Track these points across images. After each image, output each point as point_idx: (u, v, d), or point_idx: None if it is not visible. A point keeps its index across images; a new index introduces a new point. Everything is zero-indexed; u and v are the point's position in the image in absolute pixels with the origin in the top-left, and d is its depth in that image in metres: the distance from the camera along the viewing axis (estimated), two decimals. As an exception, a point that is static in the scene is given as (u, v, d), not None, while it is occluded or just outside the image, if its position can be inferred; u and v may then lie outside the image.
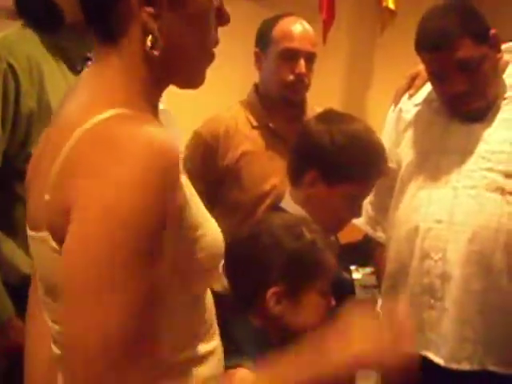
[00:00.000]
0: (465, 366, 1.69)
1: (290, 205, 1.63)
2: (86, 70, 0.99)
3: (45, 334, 0.99)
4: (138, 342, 0.76)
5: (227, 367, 1.09)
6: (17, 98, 1.53)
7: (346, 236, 1.86)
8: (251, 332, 1.32)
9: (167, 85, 0.96)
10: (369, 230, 2.05)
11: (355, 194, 1.61)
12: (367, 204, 2.00)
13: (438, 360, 1.72)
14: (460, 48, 1.64)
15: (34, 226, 0.89)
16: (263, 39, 2.11)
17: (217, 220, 2.28)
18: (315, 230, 1.41)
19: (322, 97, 3.73)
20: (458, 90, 1.68)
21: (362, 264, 3.10)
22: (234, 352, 1.20)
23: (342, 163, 1.57)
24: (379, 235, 2.02)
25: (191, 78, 0.96)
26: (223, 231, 2.30)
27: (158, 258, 0.79)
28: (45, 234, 0.85)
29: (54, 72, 1.59)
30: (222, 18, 0.96)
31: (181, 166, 0.84)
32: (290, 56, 2.04)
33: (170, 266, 0.83)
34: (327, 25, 3.71)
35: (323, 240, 1.42)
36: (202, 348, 0.96)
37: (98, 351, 0.74)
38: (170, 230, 0.82)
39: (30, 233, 0.92)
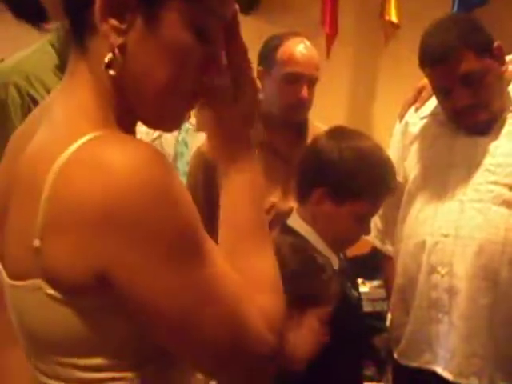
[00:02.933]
0: (473, 382, 1.67)
1: (297, 222, 1.61)
2: (57, 87, 0.88)
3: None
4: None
5: None
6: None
7: (353, 249, 1.85)
8: None
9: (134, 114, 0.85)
10: (377, 243, 2.04)
11: (363, 213, 1.58)
12: (376, 217, 1.99)
13: (447, 375, 1.70)
14: (462, 61, 1.64)
15: (17, 275, 0.80)
16: (267, 59, 2.11)
17: (215, 239, 2.28)
18: (326, 259, 1.43)
19: (326, 111, 3.74)
20: (463, 103, 1.68)
21: (369, 277, 3.09)
22: None
23: (350, 181, 1.54)
24: (388, 248, 2.01)
25: (154, 117, 0.85)
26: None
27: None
28: (37, 282, 0.77)
29: None
30: (212, 67, 0.85)
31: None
32: (294, 80, 2.05)
33: None
34: (330, 39, 3.72)
35: (332, 269, 1.41)
36: None
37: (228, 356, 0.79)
38: None
39: (9, 282, 0.82)
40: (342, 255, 1.70)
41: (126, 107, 0.82)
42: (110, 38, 0.77)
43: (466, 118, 1.72)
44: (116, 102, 0.81)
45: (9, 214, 0.82)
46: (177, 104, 0.84)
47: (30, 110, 1.49)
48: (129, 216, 0.71)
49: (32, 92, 1.54)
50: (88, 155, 0.73)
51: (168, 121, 0.87)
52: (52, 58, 1.62)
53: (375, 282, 3.10)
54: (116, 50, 0.77)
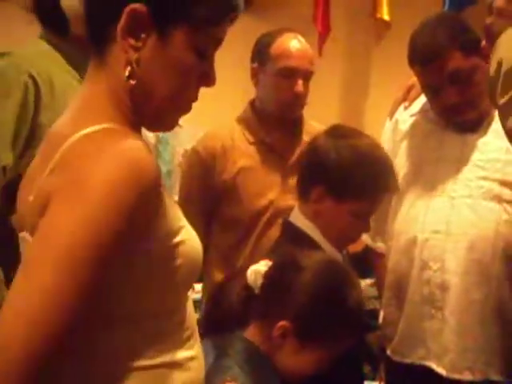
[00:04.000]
0: (467, 376, 1.68)
1: (299, 220, 1.61)
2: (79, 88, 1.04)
3: None
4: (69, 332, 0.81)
5: (221, 382, 1.09)
6: (37, 109, 1.53)
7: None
8: (244, 351, 1.31)
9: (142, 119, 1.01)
10: (368, 241, 2.05)
11: (363, 210, 1.58)
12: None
13: (440, 370, 1.71)
14: (449, 60, 1.66)
15: (20, 227, 0.96)
16: (261, 56, 2.11)
17: (215, 237, 2.29)
18: (358, 294, 1.37)
19: (318, 109, 3.74)
20: (452, 101, 1.69)
21: (361, 275, 3.09)
22: (224, 368, 1.20)
23: (348, 179, 1.54)
24: (379, 246, 2.02)
25: (156, 120, 1.01)
26: (222, 247, 2.30)
27: (111, 263, 0.85)
28: (26, 234, 0.91)
29: (71, 87, 1.59)
30: (207, 80, 1.01)
31: (159, 180, 0.90)
32: (288, 75, 2.04)
33: (145, 273, 0.91)
34: (322, 37, 3.73)
35: (362, 308, 1.38)
36: (181, 354, 0.98)
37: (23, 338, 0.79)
38: (143, 238, 0.89)
39: (19, 234, 0.97)
40: (344, 252, 1.71)
41: (135, 111, 0.97)
42: (128, 53, 0.93)
43: (454, 116, 1.74)
44: (127, 106, 0.97)
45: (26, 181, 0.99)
46: (175, 111, 1.01)
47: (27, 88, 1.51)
48: (87, 189, 0.84)
49: (33, 72, 1.55)
50: (90, 142, 0.89)
51: (165, 124, 1.03)
52: (52, 53, 1.64)
53: (368, 281, 3.10)
54: (133, 64, 0.93)
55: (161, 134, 3.72)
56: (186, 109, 1.01)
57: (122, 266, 0.87)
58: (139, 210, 0.86)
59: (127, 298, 0.92)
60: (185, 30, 0.95)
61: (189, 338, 1.01)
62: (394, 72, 3.51)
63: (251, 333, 1.34)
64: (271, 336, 1.30)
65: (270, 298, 1.34)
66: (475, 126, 1.74)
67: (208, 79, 1.01)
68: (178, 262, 0.95)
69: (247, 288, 1.36)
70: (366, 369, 3.19)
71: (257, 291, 1.35)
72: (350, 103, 4.12)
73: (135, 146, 0.88)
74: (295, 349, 1.31)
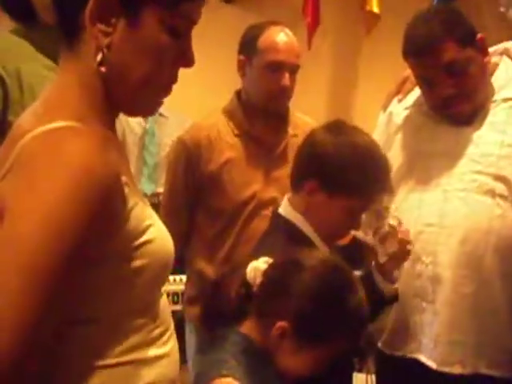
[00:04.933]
0: (457, 370, 1.68)
1: (288, 211, 1.60)
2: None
3: None
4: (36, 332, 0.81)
5: (214, 376, 1.08)
6: (5, 106, 1.50)
7: None
8: (240, 344, 1.31)
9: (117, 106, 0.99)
10: (359, 234, 2.04)
11: (355, 208, 1.58)
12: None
13: (431, 363, 1.71)
14: (444, 52, 1.65)
15: None
16: (248, 48, 2.12)
17: (200, 226, 2.32)
18: (360, 298, 1.35)
19: (307, 102, 3.74)
20: (446, 93, 1.68)
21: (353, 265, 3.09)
22: (220, 362, 1.19)
23: (342, 175, 1.53)
24: (370, 239, 2.02)
25: (133, 105, 0.99)
26: (206, 236, 2.34)
27: (72, 267, 0.84)
28: None
29: (41, 77, 1.57)
30: (185, 60, 0.98)
31: (115, 183, 0.89)
32: (275, 68, 2.05)
33: (111, 272, 0.91)
34: (312, 30, 3.72)
35: (365, 308, 1.36)
36: (153, 352, 0.97)
37: None
38: (103, 240, 0.88)
39: None
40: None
41: (109, 101, 0.95)
42: (98, 40, 0.91)
43: (449, 109, 1.73)
44: (100, 97, 0.94)
45: None
46: (154, 93, 0.98)
47: None
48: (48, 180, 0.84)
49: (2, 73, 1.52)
50: (47, 140, 0.87)
51: (145, 108, 1.01)
52: (21, 45, 1.60)
53: (357, 273, 3.10)
54: (104, 50, 0.91)
55: (148, 125, 3.68)
56: (166, 91, 0.99)
57: (84, 268, 0.87)
58: (94, 214, 0.85)
59: (88, 299, 0.91)
60: (154, 10, 0.92)
61: (161, 335, 1.00)
62: (384, 64, 3.52)
63: (248, 328, 1.33)
64: (269, 335, 1.30)
65: (270, 296, 1.33)
66: (470, 118, 1.74)
67: (186, 60, 0.98)
68: (144, 261, 0.94)
69: (246, 285, 1.35)
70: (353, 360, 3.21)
71: (255, 288, 1.34)
72: (339, 96, 4.12)
73: (91, 151, 0.86)
74: (293, 349, 1.31)
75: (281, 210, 1.62)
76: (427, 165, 1.77)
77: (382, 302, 1.63)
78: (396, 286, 1.66)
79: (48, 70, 1.56)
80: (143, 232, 0.94)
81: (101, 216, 0.86)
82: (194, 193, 2.13)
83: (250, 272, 1.35)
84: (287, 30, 2.13)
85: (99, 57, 0.91)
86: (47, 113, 0.91)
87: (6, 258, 0.81)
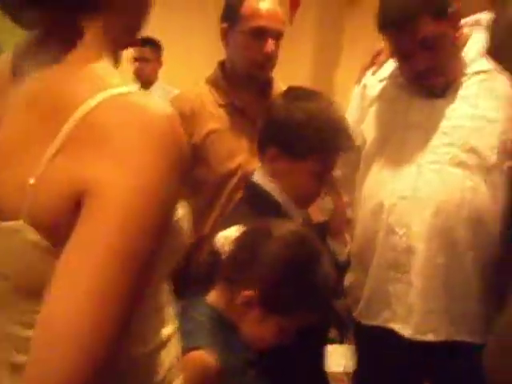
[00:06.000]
0: (430, 338, 1.72)
1: (261, 178, 1.64)
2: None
3: None
4: (123, 336, 0.74)
5: (186, 349, 1.10)
6: None
7: (318, 215, 1.86)
8: (209, 315, 1.32)
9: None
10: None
11: (317, 170, 1.60)
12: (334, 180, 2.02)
13: (405, 332, 1.74)
14: (420, 26, 1.65)
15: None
16: (230, 15, 2.08)
17: (185, 198, 2.28)
18: (327, 271, 1.36)
19: (290, 76, 3.72)
20: (421, 67, 1.69)
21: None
22: (191, 333, 1.21)
23: (298, 139, 1.56)
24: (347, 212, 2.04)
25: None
26: (192, 210, 2.31)
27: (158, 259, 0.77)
28: (19, 224, 0.76)
29: None
30: None
31: None
32: (259, 35, 2.02)
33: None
34: (293, 7, 3.70)
35: (331, 280, 1.37)
36: (166, 332, 0.94)
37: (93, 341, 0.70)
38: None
39: None
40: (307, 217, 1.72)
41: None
42: None
43: (424, 81, 1.74)
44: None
45: None
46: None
47: None
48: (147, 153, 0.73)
49: None
50: (129, 105, 0.76)
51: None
52: None
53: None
54: None
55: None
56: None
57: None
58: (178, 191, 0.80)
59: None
60: None
61: (169, 314, 0.97)
62: (366, 39, 3.50)
63: (214, 297, 1.35)
64: (235, 303, 1.31)
65: (237, 264, 1.34)
66: (443, 91, 1.75)
67: None
68: (174, 240, 0.89)
69: (214, 253, 1.36)
70: (334, 333, 3.25)
71: (223, 257, 1.35)
72: (321, 70, 4.11)
73: (173, 114, 0.78)
74: (258, 318, 1.32)
75: (254, 178, 1.64)
76: (401, 137, 1.79)
77: (336, 266, 1.62)
78: (347, 248, 1.68)
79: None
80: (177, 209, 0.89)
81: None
82: None
83: (219, 239, 1.36)
84: None
85: None
86: (90, 76, 0.79)
87: (101, 256, 0.71)
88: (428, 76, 1.72)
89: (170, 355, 0.95)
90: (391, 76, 1.87)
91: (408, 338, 1.75)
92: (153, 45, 4.22)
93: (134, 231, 0.72)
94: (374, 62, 1.95)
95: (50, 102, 0.77)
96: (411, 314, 1.73)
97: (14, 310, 0.82)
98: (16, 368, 0.82)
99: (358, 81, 1.98)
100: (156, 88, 4.22)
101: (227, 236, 1.37)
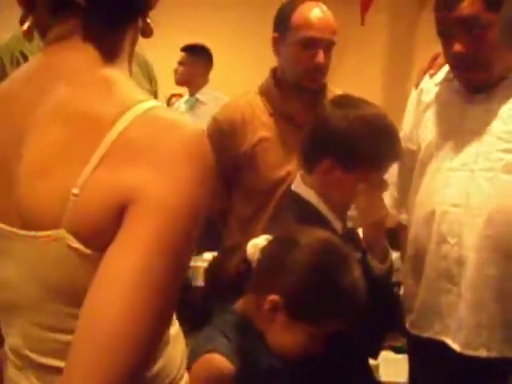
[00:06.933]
0: (482, 353, 1.65)
1: (301, 188, 1.62)
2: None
3: None
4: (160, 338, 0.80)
5: (204, 352, 1.10)
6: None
7: None
8: (232, 322, 1.32)
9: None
10: (394, 212, 2.02)
11: (370, 178, 1.58)
12: (392, 186, 1.97)
13: (455, 346, 1.68)
14: (468, 5, 1.58)
15: (33, 225, 0.81)
16: (281, 25, 2.08)
17: (235, 204, 2.31)
18: (355, 277, 1.34)
19: (362, 79, 3.68)
20: (458, 49, 1.63)
21: (393, 248, 3.05)
22: (212, 339, 1.21)
23: (358, 149, 1.54)
24: (404, 217, 1.99)
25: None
26: (242, 216, 2.32)
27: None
28: (60, 232, 0.79)
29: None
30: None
31: None
32: (309, 44, 2.01)
33: None
34: (365, 7, 3.65)
35: (360, 287, 1.35)
36: (175, 327, 0.98)
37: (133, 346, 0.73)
38: None
39: (17, 231, 0.83)
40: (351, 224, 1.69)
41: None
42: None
43: (463, 71, 1.68)
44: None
45: (24, 166, 0.83)
46: None
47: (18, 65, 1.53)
48: (191, 167, 0.79)
49: (24, 50, 1.57)
50: (163, 119, 0.81)
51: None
52: None
53: (396, 254, 3.05)
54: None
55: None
56: None
57: None
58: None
59: None
60: None
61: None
62: (438, 41, 3.41)
63: (243, 305, 1.35)
64: (262, 310, 1.31)
65: (265, 272, 1.34)
66: (488, 89, 1.67)
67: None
68: None
69: (246, 261, 1.37)
70: (402, 341, 3.17)
71: (254, 265, 1.35)
72: (393, 71, 4.04)
73: (201, 128, 0.85)
74: (285, 325, 1.31)
75: (293, 187, 1.62)
76: (455, 143, 1.72)
77: (375, 280, 1.57)
78: (387, 264, 1.62)
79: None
80: None
81: None
82: (227, 172, 2.13)
83: (250, 249, 1.36)
84: (323, 6, 2.07)
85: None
86: (116, 92, 0.83)
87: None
88: (467, 66, 1.65)
89: (178, 350, 0.97)
90: (446, 79, 1.81)
91: (460, 353, 1.68)
92: (193, 50, 4.27)
93: (174, 235, 0.76)
94: (432, 64, 1.89)
95: (83, 117, 0.81)
96: (461, 328, 1.67)
97: (48, 316, 0.85)
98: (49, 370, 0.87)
99: (416, 85, 1.93)
100: (202, 93, 4.27)
101: (256, 244, 1.36)
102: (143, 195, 0.75)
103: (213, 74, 4.32)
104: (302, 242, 1.33)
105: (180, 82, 4.36)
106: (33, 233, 0.81)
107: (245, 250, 1.37)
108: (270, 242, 1.37)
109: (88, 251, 0.78)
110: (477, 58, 1.63)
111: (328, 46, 2.04)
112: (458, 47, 1.63)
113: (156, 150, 0.77)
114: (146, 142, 0.78)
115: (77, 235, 0.78)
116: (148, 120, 0.79)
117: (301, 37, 2.02)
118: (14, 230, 0.83)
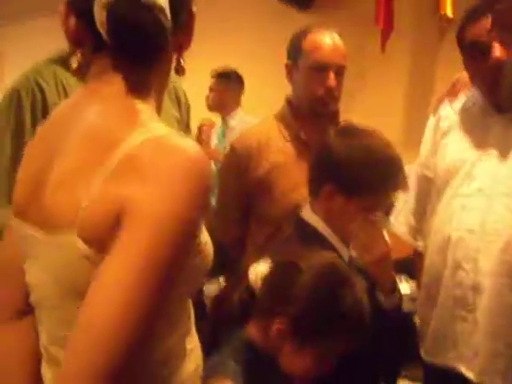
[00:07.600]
0: (497, 382, 1.62)
1: (309, 215, 1.63)
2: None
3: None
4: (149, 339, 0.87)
5: (214, 379, 1.11)
6: (44, 109, 1.58)
7: (398, 251, 1.82)
8: (241, 349, 1.33)
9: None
10: (410, 240, 2.01)
11: (372, 207, 1.58)
12: (408, 213, 1.97)
13: (470, 374, 1.66)
14: (508, 12, 1.57)
15: (53, 229, 0.92)
16: (293, 51, 2.11)
17: (251, 229, 2.31)
18: (357, 297, 1.35)
19: (383, 107, 3.69)
20: (497, 53, 1.58)
21: (411, 277, 3.03)
22: (221, 363, 1.22)
23: (358, 178, 1.55)
24: (420, 244, 1.98)
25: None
26: (257, 240, 2.31)
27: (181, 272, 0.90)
28: (73, 237, 0.89)
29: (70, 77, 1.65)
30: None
31: None
32: (320, 69, 2.04)
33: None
34: (385, 35, 3.68)
35: (364, 306, 1.35)
36: (188, 343, 1.03)
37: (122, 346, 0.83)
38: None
39: (41, 237, 0.95)
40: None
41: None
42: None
43: (495, 85, 1.64)
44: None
45: (53, 176, 0.95)
46: None
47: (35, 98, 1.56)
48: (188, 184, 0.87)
49: (39, 79, 1.60)
50: (169, 143, 0.91)
51: None
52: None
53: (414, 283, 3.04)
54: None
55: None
56: None
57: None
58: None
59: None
60: None
61: (192, 327, 1.06)
62: (459, 69, 3.42)
63: (251, 332, 1.35)
64: (270, 335, 1.31)
65: (268, 298, 1.35)
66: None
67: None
68: (197, 258, 0.99)
69: (248, 288, 1.37)
70: (419, 371, 3.13)
71: (256, 291, 1.36)
72: (415, 98, 4.04)
73: (207, 160, 0.92)
74: (294, 349, 1.31)
75: (303, 214, 1.63)
76: (472, 169, 1.72)
77: (383, 314, 1.57)
78: (396, 297, 1.62)
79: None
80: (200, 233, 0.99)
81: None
82: (244, 198, 2.14)
83: (251, 275, 1.37)
84: (332, 32, 2.11)
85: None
86: (129, 119, 0.94)
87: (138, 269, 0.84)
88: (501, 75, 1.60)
89: (189, 367, 1.02)
90: (464, 107, 1.81)
91: (473, 381, 1.66)
92: (224, 76, 4.32)
93: (161, 247, 0.84)
94: (451, 91, 1.90)
95: (100, 137, 0.93)
96: (476, 356, 1.65)
97: (62, 311, 0.96)
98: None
99: (434, 112, 1.93)
100: (232, 117, 4.31)
101: (257, 270, 1.38)
102: (136, 206, 0.85)
103: (244, 98, 4.37)
104: (303, 265, 1.34)
105: (212, 107, 4.41)
106: (51, 236, 0.92)
107: (247, 277, 1.38)
108: (272, 269, 1.37)
109: (93, 253, 0.88)
110: None
111: (338, 70, 2.06)
112: (498, 51, 1.58)
113: (156, 167, 0.86)
114: (147, 159, 0.87)
115: (85, 240, 0.88)
116: (153, 142, 0.89)
117: (311, 61, 2.05)
118: (39, 235, 0.95)
